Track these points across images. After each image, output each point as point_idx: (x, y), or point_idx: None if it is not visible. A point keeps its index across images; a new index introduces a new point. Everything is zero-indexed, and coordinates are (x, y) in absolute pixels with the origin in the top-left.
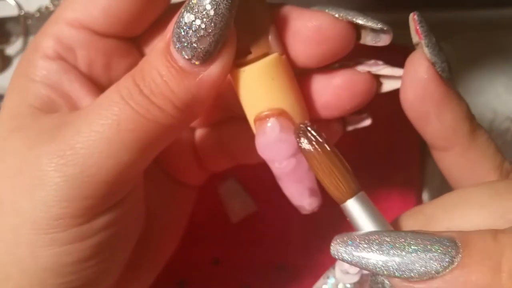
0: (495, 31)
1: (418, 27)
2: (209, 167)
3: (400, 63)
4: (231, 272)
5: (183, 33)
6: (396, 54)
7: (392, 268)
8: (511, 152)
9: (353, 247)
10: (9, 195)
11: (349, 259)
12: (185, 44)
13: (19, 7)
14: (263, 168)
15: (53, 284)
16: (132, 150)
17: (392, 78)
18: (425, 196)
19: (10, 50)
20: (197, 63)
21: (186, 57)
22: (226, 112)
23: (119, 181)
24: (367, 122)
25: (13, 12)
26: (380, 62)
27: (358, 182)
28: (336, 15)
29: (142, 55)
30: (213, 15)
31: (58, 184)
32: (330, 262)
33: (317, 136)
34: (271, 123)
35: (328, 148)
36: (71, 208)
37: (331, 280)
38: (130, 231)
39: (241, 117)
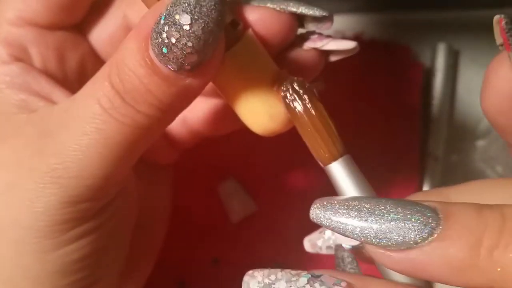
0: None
1: (506, 37)
2: (179, 145)
3: (400, 63)
4: (231, 272)
5: (166, 48)
6: (397, 54)
7: (370, 235)
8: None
9: (332, 212)
10: (6, 211)
11: (327, 224)
12: (171, 59)
13: None
14: (263, 168)
15: (64, 285)
16: (121, 158)
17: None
18: None
19: None
20: (184, 74)
21: (172, 69)
22: None
23: (111, 183)
24: (322, 87)
25: None
26: (324, 36)
27: (344, 145)
28: (277, 8)
29: (89, 43)
30: (201, 34)
31: (56, 194)
32: (329, 262)
33: (302, 93)
34: (290, 79)
35: (311, 109)
36: (70, 213)
37: (328, 235)
38: (127, 221)
39: (204, 95)
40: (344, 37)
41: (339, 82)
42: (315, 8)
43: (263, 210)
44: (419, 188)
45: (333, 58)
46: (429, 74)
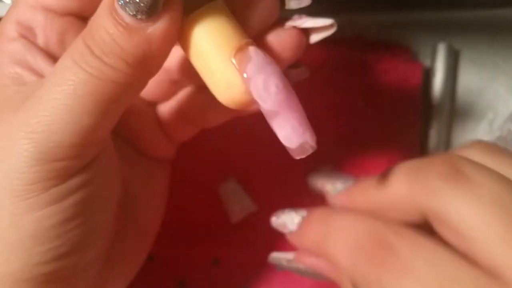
0: (495, 31)
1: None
2: (176, 137)
3: (400, 63)
4: (231, 272)
5: None
6: (397, 54)
7: None
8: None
9: None
10: None
11: None
12: (127, 0)
13: None
14: (263, 168)
15: (39, 252)
16: (93, 113)
17: (318, 29)
18: None
19: None
20: (143, 18)
21: (131, 13)
22: (181, 84)
23: (85, 143)
24: (306, 74)
25: None
26: (303, 16)
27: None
28: None
29: None
30: None
31: (28, 150)
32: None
33: None
34: (252, 49)
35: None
36: (43, 171)
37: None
38: (107, 192)
39: (197, 84)
40: (344, 37)
41: (339, 82)
42: None
43: (263, 211)
44: None
45: (314, 39)
46: (429, 74)
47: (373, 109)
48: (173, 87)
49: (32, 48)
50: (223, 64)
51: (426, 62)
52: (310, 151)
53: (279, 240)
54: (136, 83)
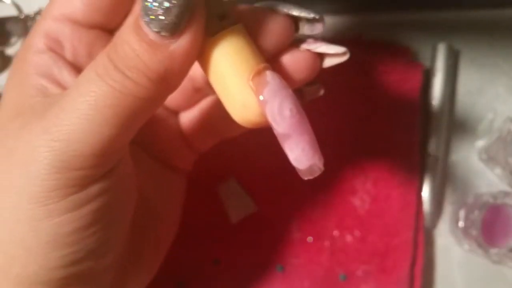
0: (495, 31)
1: None
2: (196, 147)
3: (400, 64)
4: (231, 272)
5: (149, 6)
6: (397, 54)
7: None
8: (511, 152)
9: None
10: (5, 175)
11: None
12: (152, 17)
13: (19, 10)
14: (263, 168)
15: (57, 257)
16: (113, 125)
17: (331, 55)
18: (425, 195)
19: (10, 50)
20: (166, 35)
21: (155, 30)
22: (204, 92)
23: (105, 153)
24: (320, 92)
25: (12, 12)
26: (319, 40)
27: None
28: (274, 9)
29: None
30: None
31: (48, 158)
32: (328, 261)
33: None
34: (269, 74)
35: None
36: (63, 179)
37: None
38: (124, 201)
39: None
40: (344, 38)
41: (339, 82)
42: (308, 11)
43: (263, 211)
44: (419, 188)
45: (326, 64)
46: (429, 74)
47: (372, 109)
48: (196, 95)
49: (59, 61)
50: (240, 86)
51: (426, 62)
52: (318, 173)
53: (279, 240)
54: (156, 98)
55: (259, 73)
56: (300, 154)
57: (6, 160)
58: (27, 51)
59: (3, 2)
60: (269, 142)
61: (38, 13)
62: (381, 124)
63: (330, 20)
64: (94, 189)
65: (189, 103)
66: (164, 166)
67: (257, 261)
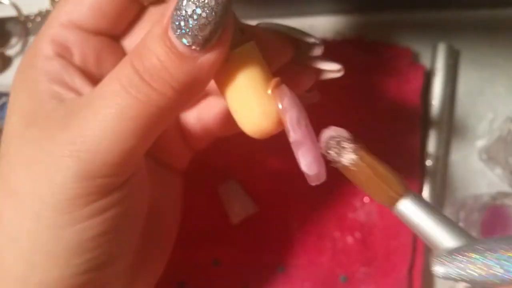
0: (495, 31)
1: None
2: (194, 145)
3: (401, 65)
4: (231, 273)
5: (184, 21)
6: (398, 55)
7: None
8: (511, 152)
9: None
10: (27, 184)
11: (460, 277)
12: (186, 31)
13: (18, 11)
14: (264, 169)
15: (77, 263)
16: (136, 136)
17: (327, 70)
18: (425, 196)
19: (10, 51)
20: (197, 49)
21: (187, 43)
22: (207, 92)
23: (126, 162)
24: (317, 97)
25: (11, 13)
26: (317, 57)
27: (404, 182)
28: (277, 29)
29: (125, 51)
30: (213, 5)
31: (73, 168)
32: (329, 262)
33: (350, 145)
34: (285, 87)
35: (364, 156)
36: (86, 188)
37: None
38: (139, 208)
39: (214, 93)
40: (344, 38)
41: (339, 83)
42: (308, 35)
43: (263, 212)
44: (419, 188)
45: (323, 77)
46: (429, 74)
47: (373, 109)
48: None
49: (69, 67)
50: (261, 95)
51: (426, 62)
52: (322, 180)
53: (279, 241)
54: (178, 107)
55: (278, 84)
56: (312, 161)
57: (27, 169)
58: (34, 57)
59: (2, 3)
60: (270, 144)
61: (38, 14)
62: (381, 125)
63: (330, 20)
64: (114, 196)
65: (192, 103)
66: (162, 166)
67: (258, 262)
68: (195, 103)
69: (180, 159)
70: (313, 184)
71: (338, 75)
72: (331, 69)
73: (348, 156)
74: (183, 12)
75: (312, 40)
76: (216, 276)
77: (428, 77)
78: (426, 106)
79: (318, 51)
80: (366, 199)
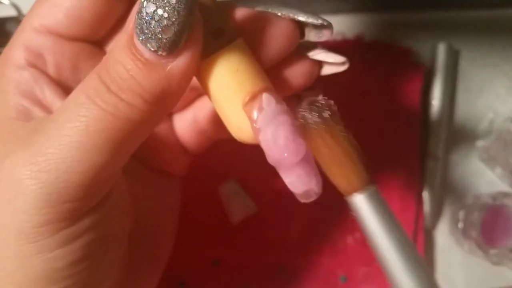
0: (495, 31)
1: None
2: (191, 150)
3: (401, 65)
4: (231, 273)
5: (145, 24)
6: (398, 55)
7: None
8: (511, 152)
9: None
10: None
11: None
12: (149, 36)
13: (18, 10)
14: (264, 169)
15: None
16: (105, 151)
17: (330, 63)
18: (425, 196)
19: None
20: (164, 54)
21: (152, 49)
22: (198, 90)
23: (97, 182)
24: (320, 97)
25: (11, 13)
26: (318, 47)
27: (370, 174)
28: (279, 14)
29: None
30: (175, 3)
31: (35, 191)
32: (329, 263)
33: (327, 112)
34: (265, 97)
35: (340, 131)
36: (52, 213)
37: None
38: (119, 229)
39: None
40: (344, 38)
41: (340, 83)
42: (316, 17)
43: (263, 212)
44: (419, 189)
45: (324, 72)
46: (429, 74)
47: (373, 109)
48: (191, 93)
49: (40, 79)
50: (235, 110)
51: (426, 62)
52: (314, 197)
53: (279, 241)
54: (151, 120)
55: (254, 97)
56: (296, 180)
57: None
58: (6, 65)
59: (2, 3)
60: None
61: None
62: (381, 125)
63: (330, 20)
64: (86, 221)
65: (184, 103)
66: (158, 174)
67: (258, 262)
68: (189, 102)
69: (178, 165)
70: (301, 201)
71: (342, 68)
72: (335, 61)
73: (315, 118)
74: (144, 14)
75: (319, 21)
76: (216, 276)
77: (428, 77)
78: (426, 106)
79: (326, 35)
80: None
